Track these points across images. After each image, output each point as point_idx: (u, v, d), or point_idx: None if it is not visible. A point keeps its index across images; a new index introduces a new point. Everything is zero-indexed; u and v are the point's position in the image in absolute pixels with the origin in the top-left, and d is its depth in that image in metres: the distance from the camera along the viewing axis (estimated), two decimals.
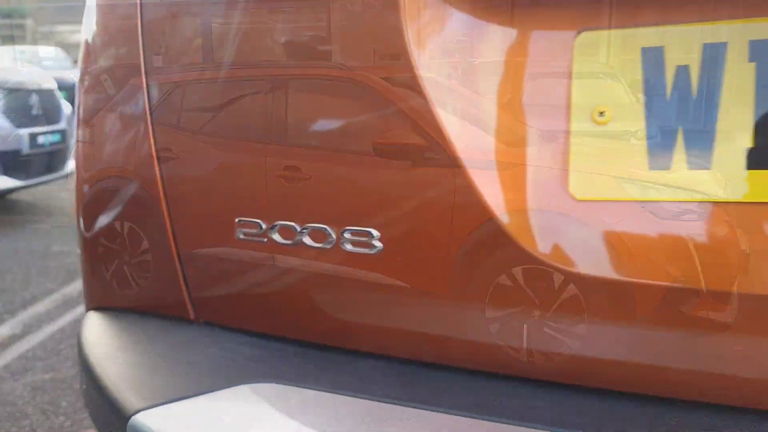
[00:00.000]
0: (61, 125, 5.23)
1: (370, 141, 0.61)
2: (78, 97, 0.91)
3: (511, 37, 0.59)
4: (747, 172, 0.52)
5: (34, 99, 5.01)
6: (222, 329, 0.78)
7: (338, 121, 0.63)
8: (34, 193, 5.94)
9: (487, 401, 0.59)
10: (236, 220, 0.72)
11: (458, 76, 0.59)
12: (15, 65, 5.65)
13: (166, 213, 0.79)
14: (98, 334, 0.84)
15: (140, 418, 0.63)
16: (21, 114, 4.85)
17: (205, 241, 0.77)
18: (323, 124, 0.64)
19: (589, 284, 0.55)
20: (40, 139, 4.97)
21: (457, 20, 0.59)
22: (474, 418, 0.58)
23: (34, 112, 4.99)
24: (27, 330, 2.87)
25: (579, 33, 0.57)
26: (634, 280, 0.54)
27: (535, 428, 0.54)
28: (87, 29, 0.88)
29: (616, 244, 0.56)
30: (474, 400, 0.61)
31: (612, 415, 0.56)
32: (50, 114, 5.17)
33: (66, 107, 5.42)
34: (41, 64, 12.27)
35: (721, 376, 0.55)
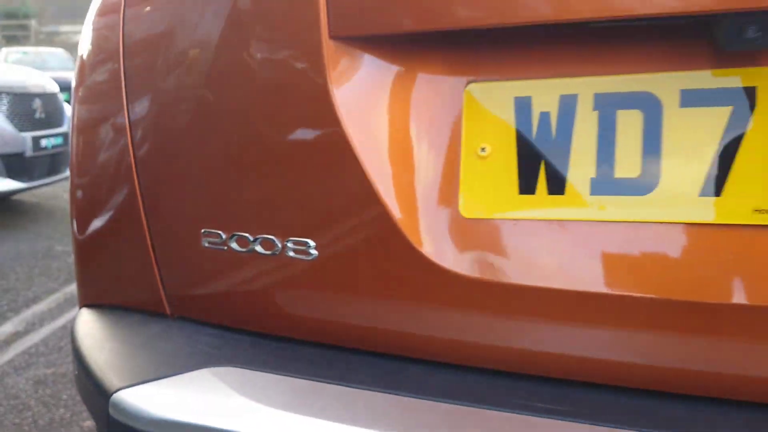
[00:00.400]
0: (64, 128, 5.33)
1: (301, 165, 0.75)
2: (72, 107, 1.03)
3: (416, 82, 0.73)
4: (591, 197, 0.66)
5: (37, 103, 5.12)
6: (192, 323, 0.92)
7: (275, 147, 0.77)
8: (38, 195, 6.04)
9: (394, 381, 0.73)
10: (201, 230, 0.85)
11: (371, 112, 0.72)
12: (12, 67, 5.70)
13: (144, 221, 0.92)
14: (89, 327, 0.97)
15: (120, 395, 0.77)
16: (24, 118, 4.96)
17: (178, 248, 0.90)
18: (264, 150, 0.78)
19: (473, 284, 0.69)
20: (43, 142, 5.07)
21: (372, 64, 0.73)
22: (390, 394, 0.72)
23: (38, 115, 5.10)
24: (30, 327, 2.98)
25: (468, 83, 0.71)
26: (509, 282, 0.68)
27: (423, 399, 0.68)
28: (83, 45, 1.02)
29: (497, 253, 0.70)
30: (390, 380, 0.75)
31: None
32: (53, 117, 5.28)
33: (68, 110, 5.52)
34: (45, 66, 12.38)
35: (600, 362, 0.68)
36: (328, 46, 0.71)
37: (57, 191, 6.11)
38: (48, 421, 2.17)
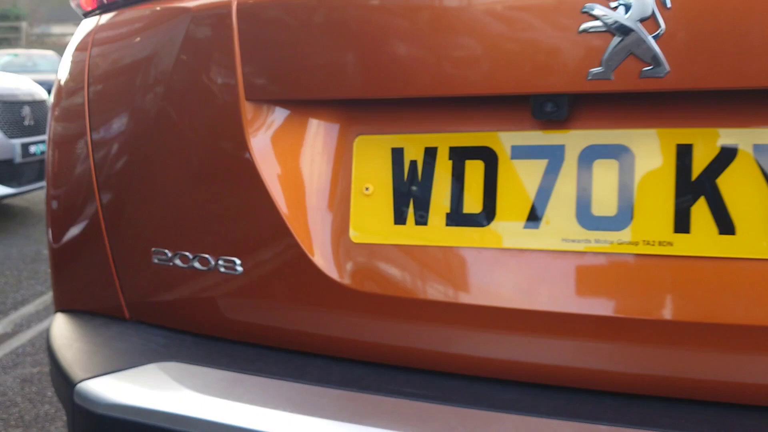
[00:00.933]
0: None
1: (227, 197, 0.93)
2: (48, 125, 1.20)
3: (318, 131, 0.92)
4: (446, 227, 0.85)
5: (26, 110, 5.25)
6: (146, 325, 1.10)
7: (206, 182, 0.95)
8: (27, 200, 6.16)
9: (301, 372, 0.92)
10: (152, 249, 1.03)
11: (281, 156, 0.91)
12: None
13: (105, 238, 1.10)
14: (61, 329, 1.14)
15: (82, 385, 0.93)
16: (14, 125, 5.10)
17: (133, 263, 1.08)
18: (197, 183, 0.96)
19: (358, 294, 0.88)
20: (32, 149, 5.21)
21: (282, 115, 0.91)
22: (297, 383, 0.90)
23: (27, 122, 5.23)
24: (17, 329, 3.12)
25: (357, 135, 0.90)
26: (384, 293, 0.87)
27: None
28: (61, 73, 1.19)
29: (377, 270, 0.88)
30: (298, 371, 0.93)
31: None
32: (42, 124, 5.40)
33: None
34: (35, 68, 12.46)
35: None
36: (245, 105, 0.90)
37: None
38: (33, 416, 2.31)
